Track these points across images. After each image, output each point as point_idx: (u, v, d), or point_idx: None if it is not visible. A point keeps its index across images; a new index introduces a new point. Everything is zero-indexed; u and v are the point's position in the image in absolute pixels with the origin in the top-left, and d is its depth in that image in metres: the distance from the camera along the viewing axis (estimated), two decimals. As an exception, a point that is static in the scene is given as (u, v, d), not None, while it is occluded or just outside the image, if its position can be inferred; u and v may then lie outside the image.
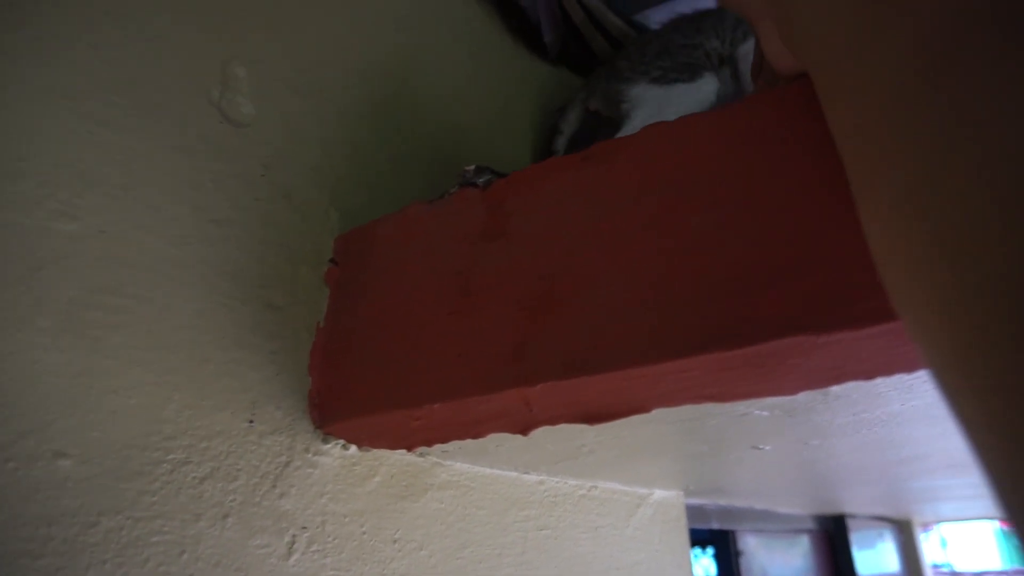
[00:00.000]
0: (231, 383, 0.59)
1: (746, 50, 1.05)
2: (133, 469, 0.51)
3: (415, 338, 0.59)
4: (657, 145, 0.52)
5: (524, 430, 0.54)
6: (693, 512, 1.39)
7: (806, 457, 0.93)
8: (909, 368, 0.41)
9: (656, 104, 1.05)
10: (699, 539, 1.88)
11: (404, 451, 0.70)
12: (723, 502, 1.64)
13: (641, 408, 0.49)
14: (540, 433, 0.62)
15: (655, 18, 1.49)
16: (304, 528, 0.61)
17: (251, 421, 0.59)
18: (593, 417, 0.51)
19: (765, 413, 0.60)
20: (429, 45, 0.98)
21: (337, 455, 0.65)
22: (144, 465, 0.51)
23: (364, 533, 0.66)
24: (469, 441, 0.67)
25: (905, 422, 0.61)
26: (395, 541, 0.69)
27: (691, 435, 0.70)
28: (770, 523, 2.00)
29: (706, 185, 0.48)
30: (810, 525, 2.29)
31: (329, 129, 0.75)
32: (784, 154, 0.45)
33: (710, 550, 1.90)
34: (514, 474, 0.87)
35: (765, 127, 0.47)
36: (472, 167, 0.63)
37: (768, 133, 0.46)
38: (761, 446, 0.83)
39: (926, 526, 3.41)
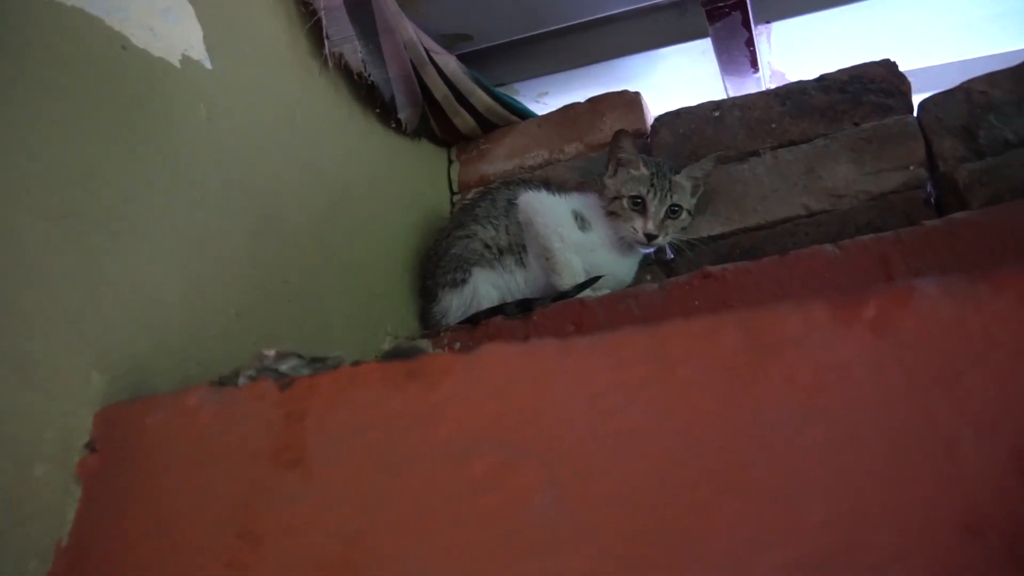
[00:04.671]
0: None
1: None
2: None
3: (182, 593, 0.44)
4: (496, 373, 0.41)
5: None
6: None
7: None
8: None
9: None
10: None
11: None
12: None
13: None
14: None
15: (524, 91, 1.41)
16: None
17: None
18: None
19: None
20: (259, 138, 0.83)
21: None
22: None
23: None
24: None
25: None
26: None
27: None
28: None
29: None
30: None
31: (101, 260, 0.58)
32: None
33: None
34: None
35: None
36: (272, 352, 0.49)
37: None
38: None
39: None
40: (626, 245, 1.02)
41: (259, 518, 0.44)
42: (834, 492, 0.32)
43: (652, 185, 0.98)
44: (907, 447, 0.32)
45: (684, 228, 1.02)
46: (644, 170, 1.00)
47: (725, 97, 1.16)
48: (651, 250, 1.03)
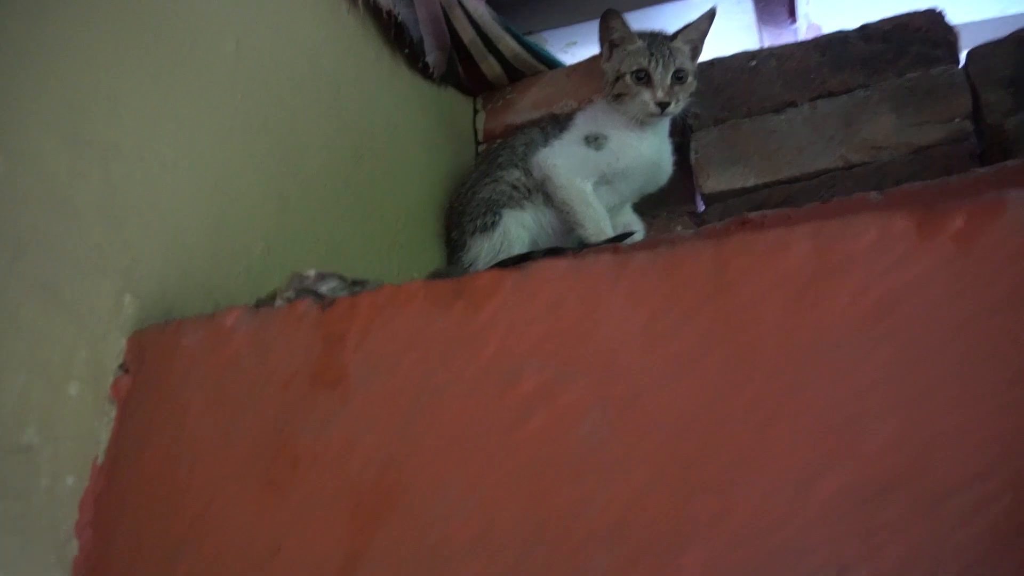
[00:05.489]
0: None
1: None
2: None
3: (221, 510, 0.44)
4: (546, 291, 0.40)
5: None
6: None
7: None
8: None
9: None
10: None
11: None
12: None
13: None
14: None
15: (552, 40, 1.37)
16: None
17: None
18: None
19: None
20: (286, 71, 0.81)
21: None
22: None
23: None
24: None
25: None
26: None
27: None
28: None
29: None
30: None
31: (126, 188, 0.57)
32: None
33: None
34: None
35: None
36: (312, 273, 0.48)
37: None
38: None
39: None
40: (646, 128, 1.00)
41: (297, 440, 0.43)
42: (900, 415, 0.31)
43: (651, 55, 0.97)
44: (984, 370, 0.31)
45: (692, 94, 1.00)
46: (640, 43, 0.99)
47: (760, 48, 1.13)
48: (667, 117, 1.00)
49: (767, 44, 1.23)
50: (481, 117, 1.27)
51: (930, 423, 0.30)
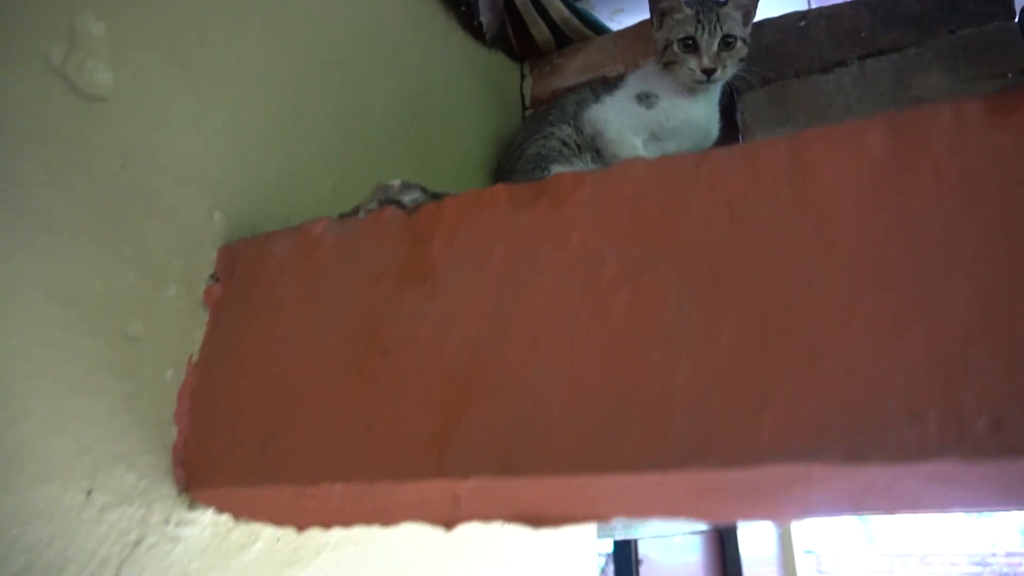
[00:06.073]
0: (61, 444, 0.44)
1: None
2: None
3: (313, 396, 0.47)
4: (628, 186, 0.42)
5: (448, 524, 0.43)
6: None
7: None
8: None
9: None
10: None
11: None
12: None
13: (599, 517, 0.40)
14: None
15: (599, 7, 1.39)
16: (159, 623, 0.48)
17: (89, 492, 0.45)
18: (538, 520, 0.41)
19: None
20: (349, 18, 0.84)
21: (208, 522, 0.52)
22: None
23: (239, 615, 0.54)
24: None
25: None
26: (277, 619, 0.57)
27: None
28: (669, 528, 2.00)
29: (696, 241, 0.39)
30: (704, 526, 2.32)
31: (215, 111, 0.60)
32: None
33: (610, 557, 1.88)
34: (422, 519, 0.76)
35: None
36: (397, 182, 0.51)
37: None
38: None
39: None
40: (696, 93, 1.01)
41: (386, 330, 0.46)
42: (983, 277, 0.33)
43: (699, 22, 0.98)
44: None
45: (743, 60, 1.01)
46: (688, 11, 1.00)
47: (809, 8, 1.13)
48: (715, 84, 1.01)
49: (816, 4, 1.24)
50: (528, 83, 1.29)
51: (1009, 284, 0.32)
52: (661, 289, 0.39)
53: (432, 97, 1.02)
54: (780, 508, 0.35)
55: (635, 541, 1.78)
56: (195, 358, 0.54)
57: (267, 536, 0.57)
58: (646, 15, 1.27)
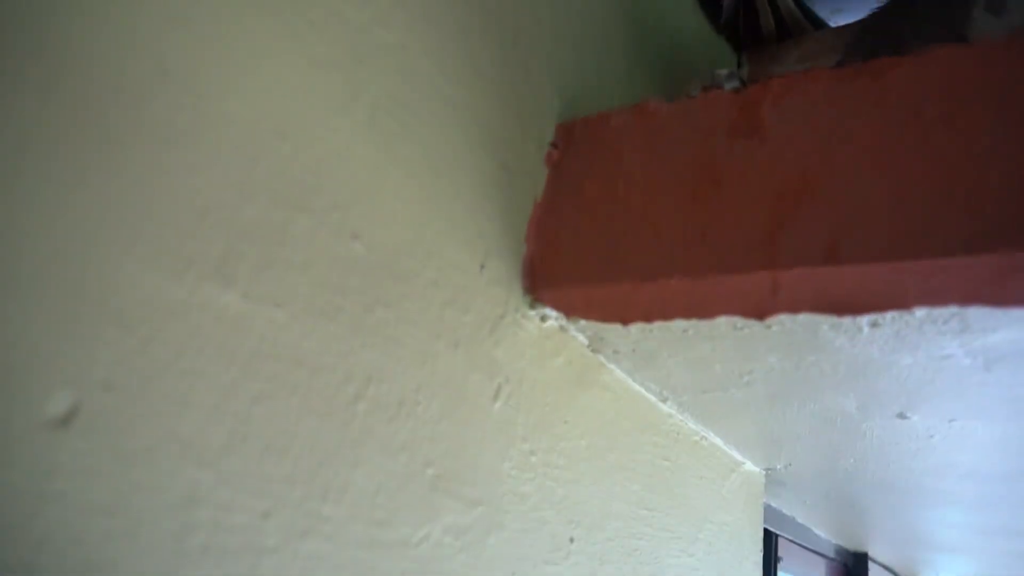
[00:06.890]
0: (474, 225, 0.61)
1: None
2: (401, 271, 0.53)
3: (651, 217, 0.61)
4: (935, 69, 0.53)
5: (761, 314, 0.56)
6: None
7: (911, 448, 0.94)
8: None
9: None
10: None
11: (583, 341, 0.73)
12: (775, 504, 1.66)
13: (901, 304, 0.51)
14: (717, 354, 0.64)
15: (819, 6, 1.49)
16: (508, 380, 0.63)
17: (483, 266, 0.62)
18: (844, 307, 0.52)
19: (968, 361, 0.61)
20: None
21: (535, 327, 0.68)
22: (408, 272, 0.54)
23: (547, 405, 0.68)
24: (642, 345, 0.70)
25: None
26: (565, 423, 0.71)
27: (853, 380, 0.71)
28: (800, 539, 2.00)
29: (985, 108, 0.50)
30: (831, 554, 2.27)
31: (563, 19, 0.77)
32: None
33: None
34: (653, 399, 0.88)
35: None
36: (725, 71, 0.65)
37: None
38: (908, 415, 0.84)
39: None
40: None
41: (718, 167, 0.59)
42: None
43: None
44: None
45: None
46: None
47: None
48: None
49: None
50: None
51: None
52: (977, 124, 0.50)
53: (672, 81, 1.17)
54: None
55: (776, 536, 1.82)
56: (539, 198, 0.69)
57: (566, 356, 0.71)
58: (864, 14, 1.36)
